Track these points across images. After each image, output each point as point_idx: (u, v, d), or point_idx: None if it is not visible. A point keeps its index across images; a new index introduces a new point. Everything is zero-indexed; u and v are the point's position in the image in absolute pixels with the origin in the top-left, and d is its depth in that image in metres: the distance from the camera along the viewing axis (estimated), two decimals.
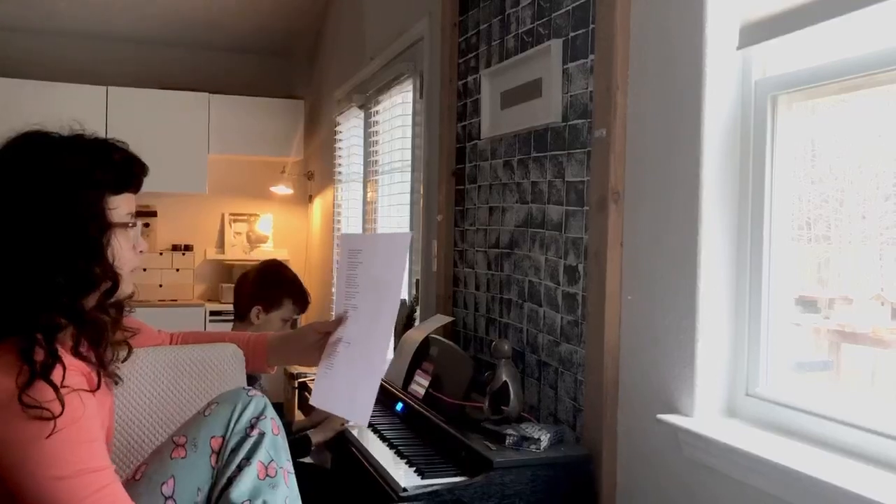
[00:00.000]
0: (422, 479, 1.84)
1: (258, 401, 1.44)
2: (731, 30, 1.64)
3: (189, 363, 1.71)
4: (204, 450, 1.37)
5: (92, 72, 5.26)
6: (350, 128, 4.51)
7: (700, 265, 1.64)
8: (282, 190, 5.53)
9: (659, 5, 1.78)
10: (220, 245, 5.69)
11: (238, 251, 5.66)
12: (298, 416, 2.98)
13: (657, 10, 1.78)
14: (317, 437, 2.36)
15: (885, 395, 1.50)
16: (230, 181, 5.61)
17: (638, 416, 1.82)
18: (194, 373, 1.70)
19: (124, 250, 1.33)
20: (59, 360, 1.18)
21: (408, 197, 3.46)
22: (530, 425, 1.98)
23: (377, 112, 4.02)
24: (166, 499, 1.34)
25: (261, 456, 1.38)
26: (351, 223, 4.52)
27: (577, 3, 2.07)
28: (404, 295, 3.33)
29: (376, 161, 4.03)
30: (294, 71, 5.83)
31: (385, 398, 2.49)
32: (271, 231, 5.75)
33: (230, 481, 1.36)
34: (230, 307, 5.08)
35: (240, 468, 1.37)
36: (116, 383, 1.45)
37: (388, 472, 1.89)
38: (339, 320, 1.64)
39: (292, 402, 3.22)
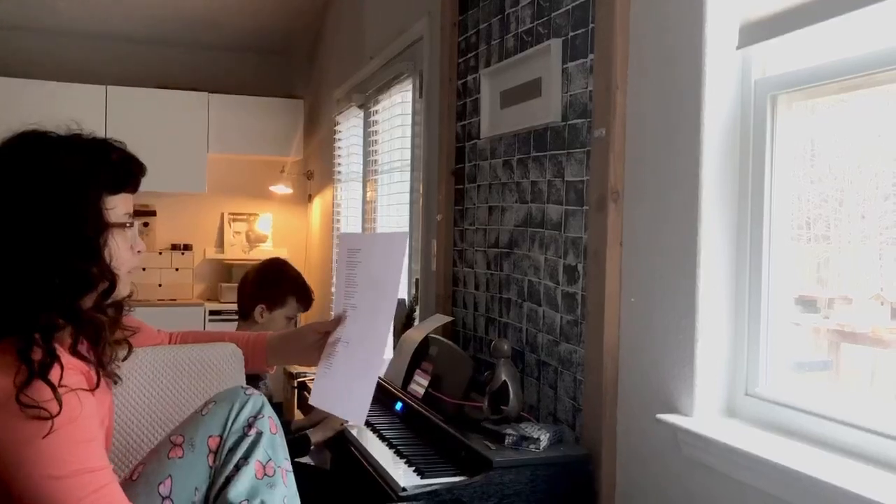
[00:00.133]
0: (421, 478, 1.84)
1: (256, 399, 1.43)
2: (731, 29, 1.63)
3: (188, 363, 1.71)
4: (201, 449, 1.37)
5: (91, 71, 5.26)
6: (349, 127, 4.51)
7: (699, 265, 1.64)
8: (281, 189, 5.53)
9: (658, 4, 1.78)
10: (220, 244, 5.69)
11: (237, 251, 5.66)
12: (298, 415, 2.98)
13: (657, 10, 1.78)
14: (316, 436, 2.36)
15: (884, 394, 1.49)
16: (229, 181, 5.61)
17: (637, 416, 1.82)
18: (193, 372, 1.70)
19: (122, 250, 1.33)
20: (57, 359, 1.18)
21: (407, 196, 3.46)
22: (530, 425, 1.98)
23: (377, 111, 4.01)
24: (164, 499, 1.33)
25: (259, 455, 1.38)
26: (350, 223, 4.52)
27: (577, 2, 2.07)
28: (404, 295, 3.33)
29: (376, 160, 4.03)
30: (293, 70, 5.83)
31: (384, 398, 2.49)
32: (271, 230, 5.75)
33: (228, 481, 1.36)
34: (229, 307, 5.15)
35: (237, 468, 1.36)
36: (116, 382, 1.44)
37: (387, 472, 1.89)
38: (339, 320, 1.64)
39: (291, 402, 3.22)
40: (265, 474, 1.38)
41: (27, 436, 1.13)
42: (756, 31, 1.59)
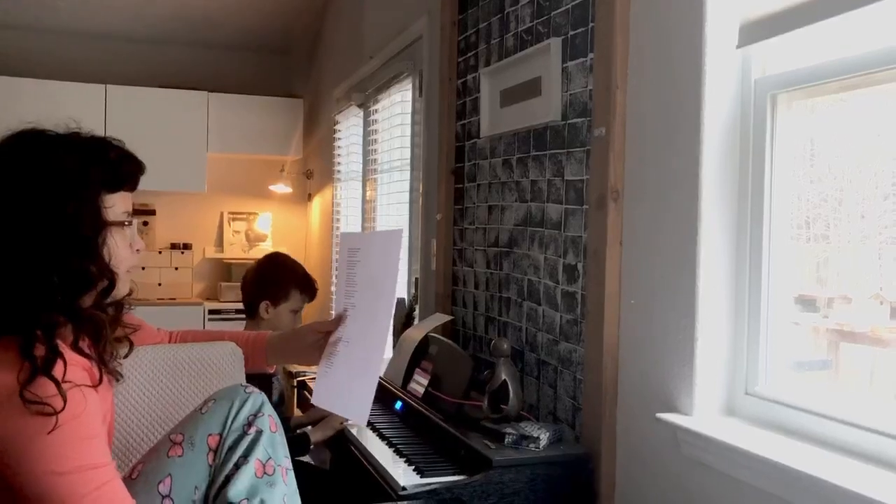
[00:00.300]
0: (421, 477, 1.84)
1: (255, 398, 1.43)
2: (731, 28, 1.63)
3: (188, 361, 1.71)
4: (201, 448, 1.37)
5: (91, 70, 5.25)
6: (349, 126, 4.50)
7: (699, 264, 1.64)
8: (281, 188, 5.53)
9: (658, 4, 1.78)
10: (219, 244, 5.69)
11: (237, 250, 5.66)
12: (297, 413, 2.98)
13: (657, 9, 1.78)
14: (316, 435, 2.36)
15: (883, 393, 1.49)
16: (229, 180, 5.61)
17: (637, 415, 1.82)
18: (193, 371, 1.70)
19: (121, 249, 1.32)
20: (60, 355, 1.18)
21: (407, 196, 3.46)
22: (529, 424, 1.98)
23: (376, 111, 4.01)
24: (163, 497, 1.33)
25: (258, 454, 1.38)
26: (350, 222, 4.52)
27: (577, 1, 2.07)
28: (403, 294, 3.33)
29: (375, 160, 4.03)
30: (293, 69, 5.83)
31: (384, 397, 2.49)
32: (270, 230, 5.74)
33: (228, 479, 1.36)
34: (229, 306, 5.15)
35: (237, 466, 1.36)
36: (118, 379, 1.44)
37: (387, 471, 1.89)
38: (339, 319, 1.64)
39: (291, 401, 3.22)
40: (265, 473, 1.38)
41: (31, 432, 1.13)
42: (756, 31, 1.59)
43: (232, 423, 1.39)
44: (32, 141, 1.29)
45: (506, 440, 1.89)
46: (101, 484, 1.17)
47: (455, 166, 2.86)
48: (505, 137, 2.47)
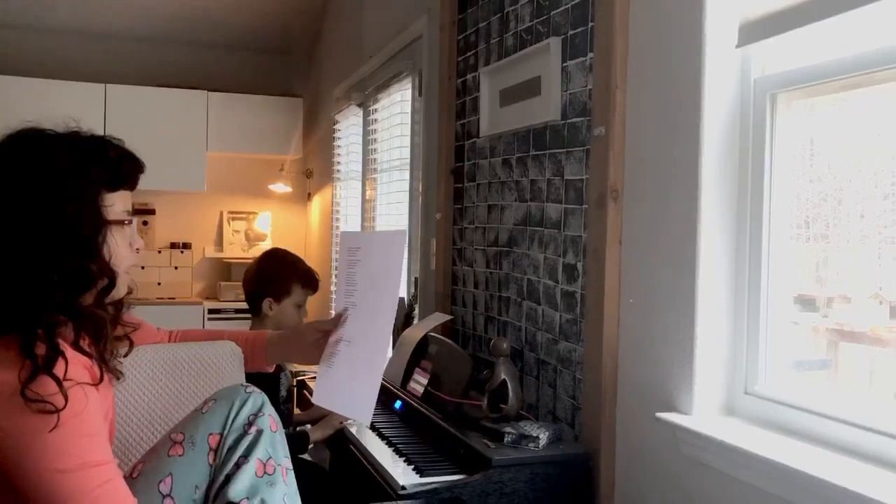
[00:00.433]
0: (420, 477, 1.84)
1: (256, 398, 1.43)
2: (731, 28, 1.63)
3: (188, 361, 1.71)
4: (202, 447, 1.37)
5: (90, 70, 5.25)
6: (349, 126, 4.50)
7: (699, 263, 1.64)
8: (280, 188, 5.53)
9: (658, 3, 1.78)
10: (219, 243, 5.69)
11: (237, 249, 5.66)
12: (296, 412, 2.98)
13: (656, 8, 1.78)
14: (315, 434, 2.36)
15: (882, 393, 1.49)
16: (229, 179, 5.61)
17: (636, 415, 1.82)
18: (193, 370, 1.70)
19: (121, 248, 1.32)
20: (61, 353, 1.18)
21: (406, 195, 3.46)
22: (529, 423, 1.98)
23: (376, 110, 4.01)
24: (164, 497, 1.33)
25: (259, 453, 1.38)
26: (350, 221, 4.52)
27: (576, 0, 2.07)
28: (403, 293, 3.33)
29: (375, 159, 4.03)
30: (293, 69, 5.83)
31: (384, 396, 2.49)
32: (270, 229, 5.74)
33: (228, 479, 1.36)
34: (228, 305, 5.15)
35: (238, 466, 1.36)
36: (118, 378, 1.44)
37: (386, 471, 1.89)
38: (339, 318, 1.64)
39: (291, 399, 3.22)
40: (265, 472, 1.38)
41: (33, 429, 1.13)
42: (755, 30, 1.59)
43: (232, 422, 1.39)
44: (32, 140, 1.29)
45: (505, 439, 1.89)
46: (104, 482, 1.17)
47: (455, 166, 2.86)
48: (504, 137, 2.47)
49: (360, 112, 4.23)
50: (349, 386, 1.61)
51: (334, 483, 2.37)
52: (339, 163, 4.70)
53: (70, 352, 1.21)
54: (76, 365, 1.21)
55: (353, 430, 2.28)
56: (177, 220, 5.56)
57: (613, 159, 1.87)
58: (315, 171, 5.50)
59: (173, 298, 5.35)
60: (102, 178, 1.30)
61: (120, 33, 5.41)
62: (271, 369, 1.83)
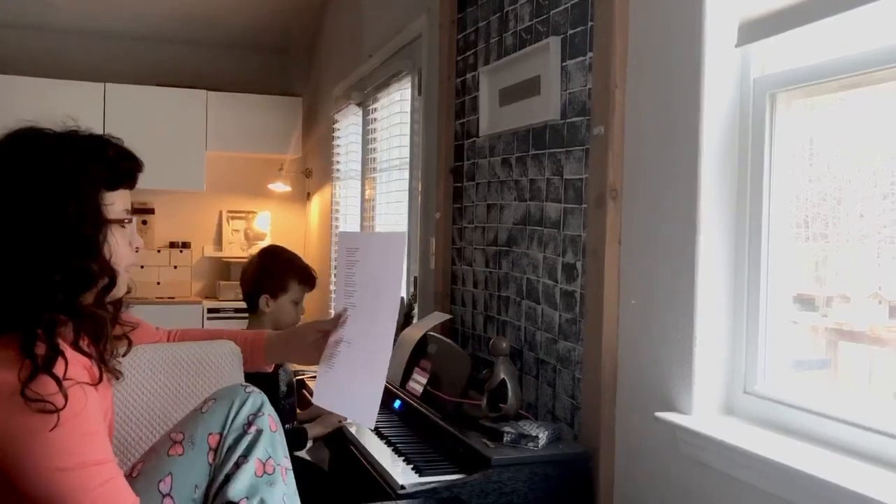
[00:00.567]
0: (420, 476, 1.84)
1: (255, 397, 1.43)
2: (730, 27, 1.63)
3: (187, 360, 1.70)
4: (201, 447, 1.37)
5: (90, 69, 5.24)
6: (348, 125, 4.50)
7: (698, 263, 1.64)
8: (280, 187, 5.52)
9: (657, 2, 1.78)
10: (218, 242, 5.69)
11: (236, 248, 5.66)
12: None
13: (656, 8, 1.78)
14: (315, 430, 2.35)
15: (882, 392, 1.50)
16: (228, 178, 5.60)
17: (636, 414, 1.82)
18: (192, 370, 1.70)
19: (121, 247, 1.32)
20: (61, 353, 1.18)
21: (406, 194, 3.46)
22: (528, 423, 1.98)
23: (375, 109, 4.01)
24: (164, 496, 1.33)
25: (258, 453, 1.38)
26: (349, 221, 4.52)
27: (576, 0, 2.07)
28: (402, 292, 3.33)
29: (374, 158, 4.03)
30: (292, 68, 5.82)
31: (383, 395, 2.48)
32: (269, 228, 5.74)
33: (228, 478, 1.36)
34: (228, 304, 5.15)
35: (237, 465, 1.36)
36: (118, 378, 1.44)
37: (385, 470, 1.89)
38: (338, 319, 1.64)
39: (293, 394, 3.21)
40: (265, 472, 1.38)
41: (33, 429, 1.13)
42: (755, 29, 1.59)
43: (232, 422, 1.39)
44: (31, 140, 1.29)
45: (504, 439, 1.89)
46: (106, 480, 1.17)
47: (454, 165, 2.86)
48: (504, 136, 2.47)
49: (359, 111, 4.23)
50: (350, 388, 1.60)
51: (333, 483, 2.37)
52: (338, 162, 4.70)
53: (69, 352, 1.21)
54: (76, 365, 1.21)
55: (353, 429, 2.28)
56: (176, 219, 5.55)
57: (613, 159, 1.87)
58: (314, 171, 5.50)
59: (172, 298, 5.35)
60: (102, 177, 1.30)
61: (119, 32, 5.40)
62: (270, 369, 1.83)
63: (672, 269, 1.71)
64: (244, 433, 1.39)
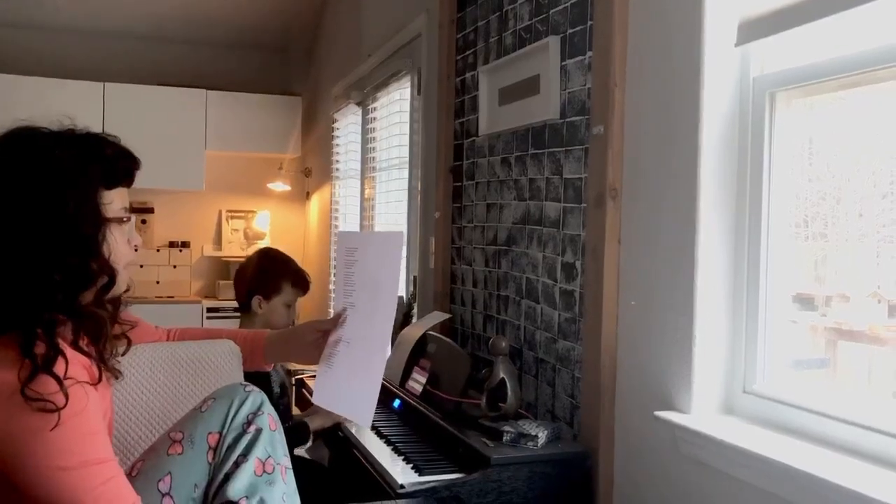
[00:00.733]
0: (419, 475, 1.84)
1: (255, 396, 1.43)
2: (730, 26, 1.63)
3: (186, 359, 1.70)
4: (201, 446, 1.37)
5: (89, 68, 5.24)
6: (348, 124, 4.50)
7: (698, 262, 1.64)
8: (279, 187, 5.52)
9: (657, 2, 1.78)
10: (218, 242, 5.69)
11: (235, 248, 5.66)
12: (295, 411, 2.98)
13: (655, 7, 1.78)
14: (316, 423, 2.34)
15: (881, 392, 1.50)
16: (227, 178, 5.60)
17: (635, 413, 1.82)
18: (191, 369, 1.70)
19: (120, 245, 1.32)
20: (61, 352, 1.18)
21: (405, 194, 3.46)
22: (527, 422, 1.98)
23: (375, 109, 4.01)
24: (163, 495, 1.33)
25: (258, 452, 1.38)
26: (348, 220, 4.52)
27: None
28: (402, 292, 3.33)
29: (374, 158, 4.03)
30: (291, 67, 5.82)
31: (382, 395, 2.47)
32: (268, 228, 5.74)
33: (227, 477, 1.36)
34: (227, 304, 5.15)
35: (237, 464, 1.36)
36: (117, 378, 1.44)
37: (385, 469, 1.89)
38: (338, 318, 1.64)
39: (286, 394, 3.22)
40: (264, 471, 1.38)
41: (34, 428, 1.13)
42: (754, 28, 1.59)
43: (232, 421, 1.39)
44: (28, 139, 1.28)
45: (504, 438, 1.89)
46: (107, 479, 1.17)
47: (453, 164, 2.86)
48: (503, 135, 2.47)
49: (358, 111, 4.23)
50: (349, 387, 1.60)
51: (333, 482, 2.37)
52: (337, 161, 4.70)
53: (69, 351, 1.21)
54: (75, 364, 1.21)
55: (353, 428, 2.28)
56: (175, 218, 5.55)
57: (612, 158, 1.87)
58: (314, 170, 5.50)
59: (172, 297, 5.35)
60: (100, 175, 1.30)
61: (118, 32, 5.40)
62: (269, 368, 1.83)
63: (671, 269, 1.71)
64: (244, 432, 1.39)
